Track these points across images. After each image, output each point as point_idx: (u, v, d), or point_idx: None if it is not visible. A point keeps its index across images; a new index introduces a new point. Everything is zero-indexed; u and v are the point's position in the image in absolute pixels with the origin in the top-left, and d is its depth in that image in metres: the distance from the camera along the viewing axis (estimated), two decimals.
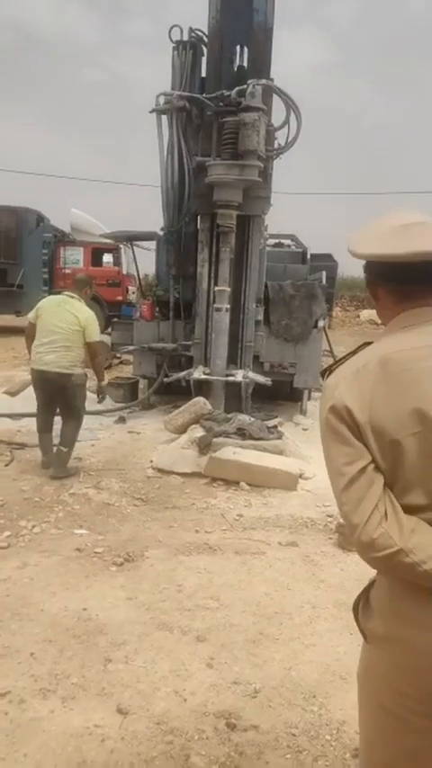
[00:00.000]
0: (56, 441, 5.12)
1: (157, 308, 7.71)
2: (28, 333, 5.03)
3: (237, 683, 2.46)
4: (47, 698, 2.31)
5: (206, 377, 6.50)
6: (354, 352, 1.29)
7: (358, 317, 28.04)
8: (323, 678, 2.52)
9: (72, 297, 5.01)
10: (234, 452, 5.09)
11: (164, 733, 2.16)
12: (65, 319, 4.84)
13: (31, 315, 5.03)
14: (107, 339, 9.87)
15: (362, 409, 1.16)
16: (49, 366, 4.81)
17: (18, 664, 2.49)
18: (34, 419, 5.40)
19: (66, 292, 5.12)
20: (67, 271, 15.24)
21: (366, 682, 1.35)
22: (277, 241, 9.90)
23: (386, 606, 1.25)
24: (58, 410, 5.15)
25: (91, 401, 7.41)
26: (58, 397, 4.98)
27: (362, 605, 1.35)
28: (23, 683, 2.37)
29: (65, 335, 4.82)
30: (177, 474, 5.03)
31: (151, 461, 5.32)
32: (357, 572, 3.47)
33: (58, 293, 5.26)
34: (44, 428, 5.12)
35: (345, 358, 1.28)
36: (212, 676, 2.49)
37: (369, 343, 1.29)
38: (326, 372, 1.29)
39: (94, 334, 4.96)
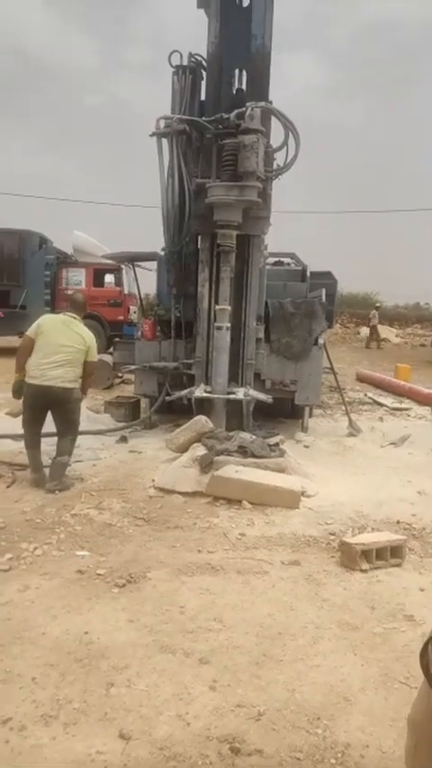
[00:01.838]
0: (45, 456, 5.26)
1: (159, 328, 7.76)
2: (25, 346, 5.14)
3: (240, 706, 2.43)
4: (48, 724, 2.28)
5: (207, 395, 6.52)
6: None
7: (358, 333, 28.15)
8: (327, 700, 2.50)
9: (75, 318, 5.24)
10: (236, 471, 5.08)
11: (167, 759, 2.14)
12: (72, 339, 5.09)
13: (31, 331, 5.16)
14: (109, 358, 9.93)
15: None
16: (54, 381, 4.99)
17: (20, 689, 2.48)
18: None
19: (67, 313, 5.29)
20: (70, 292, 15.34)
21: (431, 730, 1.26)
22: (277, 259, 9.98)
23: None
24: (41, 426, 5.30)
25: (92, 421, 7.46)
26: (57, 411, 5.16)
27: (431, 644, 1.26)
28: (25, 709, 2.35)
29: (72, 354, 5.06)
30: (179, 493, 5.02)
31: (153, 481, 5.31)
32: (360, 591, 3.46)
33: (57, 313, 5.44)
34: (33, 444, 5.23)
35: None
36: (216, 699, 2.47)
37: None
38: None
39: (96, 354, 5.28)
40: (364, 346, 23.37)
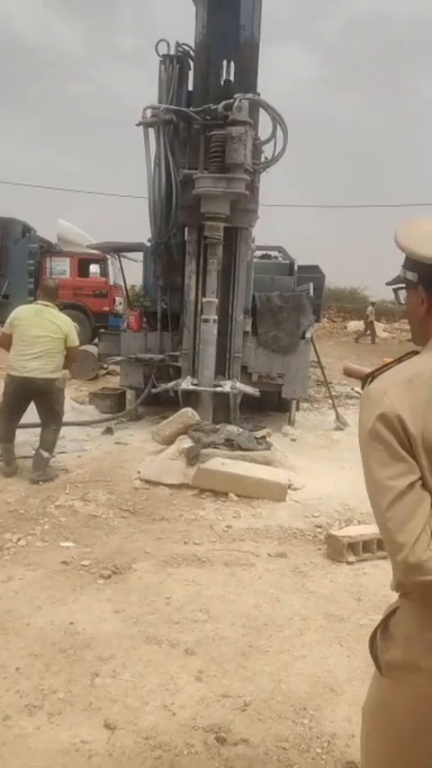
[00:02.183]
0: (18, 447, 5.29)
1: (145, 319, 7.71)
2: (2, 342, 5.19)
3: (226, 697, 2.42)
4: (33, 714, 2.26)
5: (194, 387, 6.49)
6: (400, 360, 1.22)
7: (345, 327, 28.27)
8: (313, 690, 2.50)
9: (48, 305, 5.19)
10: (222, 463, 5.07)
11: (152, 748, 2.12)
12: (47, 328, 5.04)
13: (6, 327, 5.16)
14: (94, 350, 9.86)
15: (414, 420, 1.09)
16: (34, 373, 4.97)
17: (3, 679, 2.44)
18: (22, 430, 5.44)
19: (40, 302, 5.26)
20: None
21: (382, 719, 1.27)
22: (264, 253, 9.95)
23: (414, 635, 1.17)
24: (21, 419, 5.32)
25: (77, 412, 7.40)
26: (40, 401, 5.15)
27: (380, 634, 1.27)
28: (9, 699, 2.33)
29: (49, 344, 5.02)
30: (165, 485, 5.00)
31: (139, 473, 5.28)
32: (347, 583, 3.47)
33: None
34: (8, 437, 5.22)
35: (389, 365, 1.21)
36: (201, 690, 2.46)
37: (416, 353, 1.21)
38: (368, 378, 1.22)
39: (75, 339, 5.24)
40: (354, 340, 23.51)
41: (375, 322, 27.02)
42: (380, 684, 1.29)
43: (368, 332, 23.78)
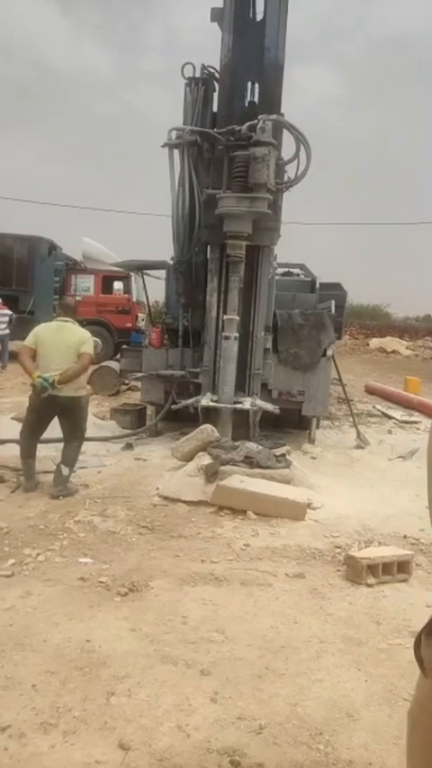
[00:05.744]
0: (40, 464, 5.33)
1: (166, 336, 7.77)
2: (25, 353, 5.18)
3: (241, 719, 2.40)
4: (48, 732, 2.26)
5: (214, 404, 6.51)
6: None
7: (367, 344, 28.09)
8: (330, 715, 2.46)
9: (66, 321, 5.28)
10: (241, 481, 5.06)
11: None
12: (66, 345, 5.11)
13: (29, 340, 5.23)
14: (115, 365, 9.95)
15: None
16: (58, 391, 5.02)
17: (20, 696, 2.46)
18: (44, 446, 5.49)
19: (59, 318, 5.34)
20: (78, 298, 15.49)
21: (427, 720, 1.27)
22: (286, 270, 9.98)
23: None
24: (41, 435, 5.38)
25: (98, 427, 7.47)
26: (64, 418, 5.20)
27: (424, 637, 1.28)
28: (24, 717, 2.33)
29: (71, 361, 5.07)
30: (184, 502, 5.00)
31: (158, 489, 5.29)
32: (366, 606, 3.42)
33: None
34: (30, 453, 5.27)
35: None
36: (217, 711, 2.44)
37: None
38: None
39: (89, 348, 5.21)
40: None
41: (397, 339, 26.25)
42: (424, 686, 1.29)
43: None
